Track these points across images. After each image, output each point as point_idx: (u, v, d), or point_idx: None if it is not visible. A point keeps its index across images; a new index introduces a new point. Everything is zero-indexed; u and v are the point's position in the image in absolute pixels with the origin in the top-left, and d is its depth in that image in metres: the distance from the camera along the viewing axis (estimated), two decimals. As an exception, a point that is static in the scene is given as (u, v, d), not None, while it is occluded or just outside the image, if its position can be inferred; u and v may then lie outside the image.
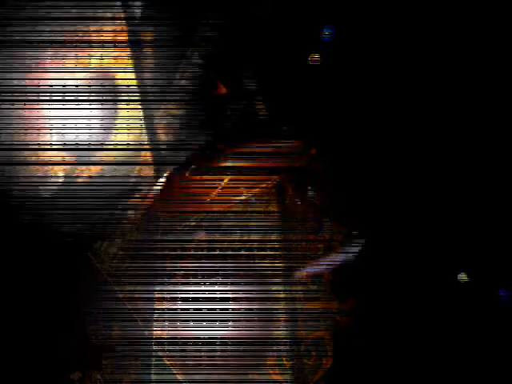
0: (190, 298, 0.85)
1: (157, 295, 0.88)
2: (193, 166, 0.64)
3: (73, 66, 1.20)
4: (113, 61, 1.09)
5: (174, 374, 0.85)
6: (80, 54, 1.19)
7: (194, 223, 0.79)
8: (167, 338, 0.84)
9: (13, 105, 1.34)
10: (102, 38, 1.14)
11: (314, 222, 0.57)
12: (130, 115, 1.01)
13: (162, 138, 0.94)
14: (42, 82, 1.29)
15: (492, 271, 0.57)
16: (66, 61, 1.23)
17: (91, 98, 1.10)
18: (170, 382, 0.86)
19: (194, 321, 0.85)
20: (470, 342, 0.56)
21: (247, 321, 0.78)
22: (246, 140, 0.76)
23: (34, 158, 1.20)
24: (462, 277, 0.56)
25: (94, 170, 1.04)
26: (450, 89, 0.65)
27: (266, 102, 0.81)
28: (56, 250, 1.04)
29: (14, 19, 1.42)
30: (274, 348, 0.78)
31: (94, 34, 1.17)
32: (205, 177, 0.71)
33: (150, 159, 0.94)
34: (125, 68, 1.05)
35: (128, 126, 1.00)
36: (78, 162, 1.08)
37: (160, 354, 0.83)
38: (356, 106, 0.71)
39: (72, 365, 0.88)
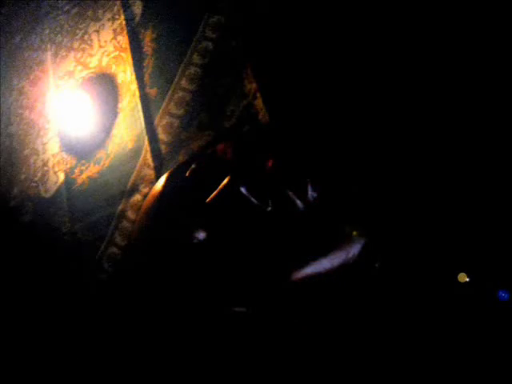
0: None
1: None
2: (193, 166, 0.64)
3: (72, 66, 1.20)
4: (113, 60, 1.09)
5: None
6: (80, 53, 1.19)
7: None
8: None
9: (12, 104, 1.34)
10: (101, 37, 1.14)
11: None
12: (130, 115, 1.01)
13: (162, 137, 0.94)
14: (41, 83, 1.29)
15: (492, 271, 0.57)
16: (66, 61, 1.23)
17: (91, 97, 1.10)
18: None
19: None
20: (469, 342, 0.56)
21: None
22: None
23: (33, 158, 1.21)
24: (462, 277, 0.56)
25: (94, 169, 1.04)
26: (450, 83, 0.65)
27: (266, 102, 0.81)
28: (56, 251, 1.04)
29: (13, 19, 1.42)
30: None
31: (93, 34, 1.17)
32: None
33: (149, 159, 0.94)
34: (125, 68, 1.05)
35: (128, 125, 1.00)
36: (77, 162, 1.08)
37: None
38: (354, 103, 0.71)
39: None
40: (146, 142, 0.95)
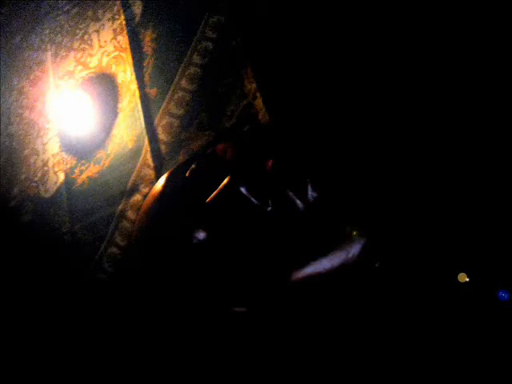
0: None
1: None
2: (193, 166, 0.64)
3: (72, 66, 1.20)
4: (113, 60, 1.09)
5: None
6: (80, 53, 1.19)
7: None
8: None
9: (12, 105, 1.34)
10: (101, 37, 1.14)
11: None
12: (130, 115, 1.01)
13: (162, 137, 0.94)
14: (41, 83, 1.29)
15: (492, 271, 0.57)
16: (66, 61, 1.23)
17: (91, 97, 1.10)
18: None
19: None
20: (470, 342, 0.56)
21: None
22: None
23: (33, 158, 1.21)
24: (462, 277, 0.56)
25: (94, 169, 1.04)
26: (450, 82, 0.65)
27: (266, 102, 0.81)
28: (56, 250, 1.04)
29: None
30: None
31: (93, 34, 1.17)
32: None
33: (149, 159, 0.94)
34: (125, 68, 1.05)
35: (128, 125, 1.00)
36: (77, 162, 1.08)
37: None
38: (354, 103, 0.71)
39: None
40: (146, 142, 0.95)
